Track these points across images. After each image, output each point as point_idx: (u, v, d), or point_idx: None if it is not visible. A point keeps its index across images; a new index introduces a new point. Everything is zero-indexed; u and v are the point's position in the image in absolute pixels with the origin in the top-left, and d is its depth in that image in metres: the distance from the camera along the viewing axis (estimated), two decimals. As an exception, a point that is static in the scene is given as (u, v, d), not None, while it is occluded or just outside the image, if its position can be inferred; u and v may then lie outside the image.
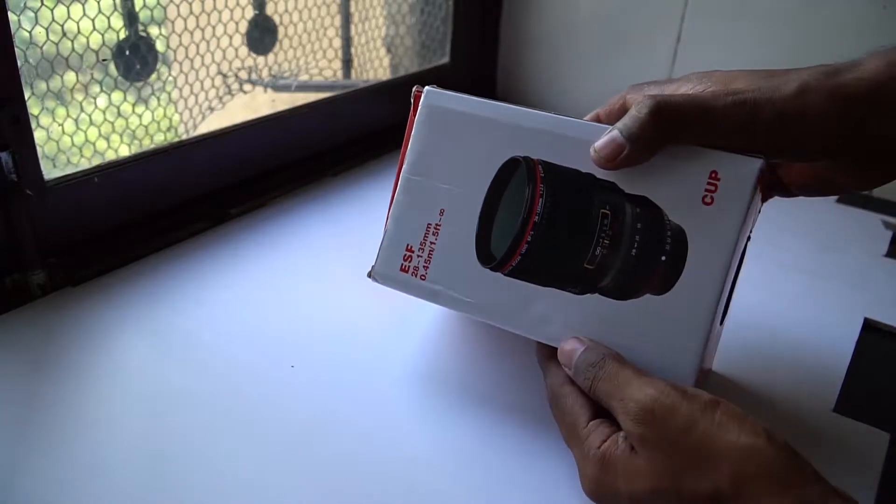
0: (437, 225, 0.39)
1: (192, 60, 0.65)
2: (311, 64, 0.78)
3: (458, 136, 0.39)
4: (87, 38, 0.54)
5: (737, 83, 0.36)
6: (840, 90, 0.34)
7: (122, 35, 0.57)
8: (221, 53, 0.67)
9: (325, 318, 0.49)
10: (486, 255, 0.38)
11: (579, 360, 0.34)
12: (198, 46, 0.64)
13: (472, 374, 0.44)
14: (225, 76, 0.70)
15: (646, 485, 0.29)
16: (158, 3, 0.60)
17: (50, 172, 0.51)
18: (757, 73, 0.36)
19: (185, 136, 0.65)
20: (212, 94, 0.69)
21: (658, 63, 0.84)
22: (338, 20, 0.80)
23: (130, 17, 0.58)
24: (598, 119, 0.40)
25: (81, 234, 0.53)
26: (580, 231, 0.36)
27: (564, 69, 0.92)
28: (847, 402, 0.43)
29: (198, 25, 0.64)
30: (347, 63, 0.84)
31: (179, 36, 0.63)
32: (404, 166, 0.40)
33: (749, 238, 0.37)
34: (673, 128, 0.34)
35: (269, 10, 0.70)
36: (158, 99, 0.62)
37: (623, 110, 0.39)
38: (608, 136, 0.35)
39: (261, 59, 0.72)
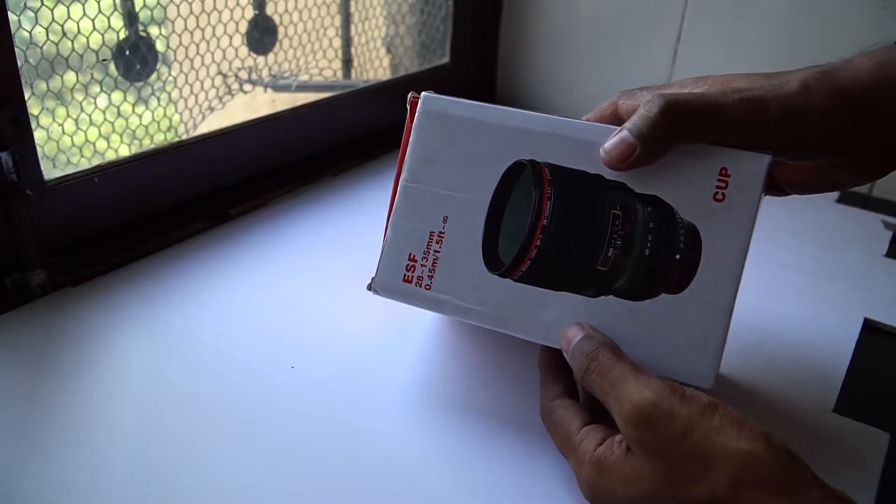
0: (440, 233, 0.38)
1: (192, 60, 0.65)
2: (311, 64, 0.78)
3: (458, 142, 0.38)
4: (87, 38, 0.54)
5: (736, 84, 0.36)
6: (838, 89, 0.34)
7: (122, 35, 0.57)
8: (221, 53, 0.67)
9: (325, 319, 0.49)
10: (494, 262, 0.37)
11: (575, 348, 0.34)
12: (198, 46, 0.64)
13: (473, 375, 0.44)
14: (225, 76, 0.70)
15: (643, 489, 0.29)
16: (158, 3, 0.60)
17: (50, 172, 0.51)
18: (753, 75, 0.37)
19: (185, 136, 0.65)
20: (212, 94, 0.69)
21: (658, 63, 0.84)
22: (338, 20, 0.80)
23: (130, 17, 0.58)
24: None
25: (81, 234, 0.53)
26: (591, 233, 0.36)
27: (564, 69, 0.92)
28: (847, 402, 0.43)
29: (198, 25, 0.64)
30: (347, 63, 0.84)
31: (179, 36, 0.63)
32: (403, 173, 0.39)
33: None
34: (683, 126, 0.34)
35: (269, 10, 0.70)
36: (158, 99, 0.62)
37: (614, 116, 0.39)
38: (618, 136, 0.35)
39: (261, 59, 0.72)
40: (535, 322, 0.36)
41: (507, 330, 0.37)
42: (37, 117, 0.51)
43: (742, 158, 0.35)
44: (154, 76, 0.61)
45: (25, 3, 0.49)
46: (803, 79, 0.35)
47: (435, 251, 0.38)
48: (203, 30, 0.64)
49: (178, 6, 0.61)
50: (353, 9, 0.83)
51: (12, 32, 0.45)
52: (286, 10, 0.72)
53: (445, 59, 0.89)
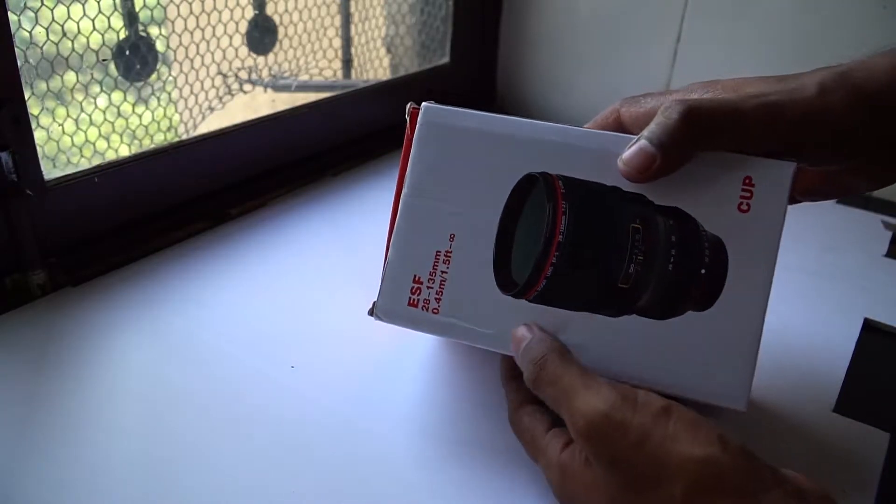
0: (447, 252, 0.35)
1: (192, 60, 0.65)
2: (311, 64, 0.78)
3: (463, 154, 0.36)
4: (87, 38, 0.54)
5: (748, 89, 0.35)
6: (856, 90, 0.33)
7: (122, 35, 0.57)
8: (221, 53, 0.67)
9: (325, 319, 0.49)
10: (506, 282, 0.35)
11: (523, 355, 0.33)
12: (198, 46, 0.64)
13: (474, 375, 0.44)
14: (225, 76, 0.70)
15: (603, 498, 0.29)
16: (158, 3, 0.60)
17: (50, 172, 0.51)
18: (765, 78, 0.36)
19: (185, 136, 0.65)
20: (212, 94, 0.69)
21: (658, 63, 0.84)
22: (338, 20, 0.80)
23: (130, 17, 0.58)
24: None
25: (81, 234, 0.53)
26: (610, 248, 0.33)
27: (564, 69, 0.92)
28: (847, 402, 0.43)
29: (198, 25, 0.64)
30: (347, 63, 0.84)
31: (179, 36, 0.63)
32: (405, 189, 0.36)
33: None
34: (705, 133, 0.33)
35: (269, 10, 0.70)
36: (158, 99, 0.62)
37: (617, 124, 0.38)
38: (636, 145, 0.33)
39: (261, 59, 0.72)
40: None
41: None
42: (37, 117, 0.51)
43: (766, 167, 0.33)
44: (154, 76, 0.61)
45: (25, 3, 0.49)
46: (820, 81, 0.34)
47: (442, 272, 0.35)
48: (203, 30, 0.64)
49: (178, 6, 0.61)
50: (353, 9, 0.83)
51: (12, 32, 0.45)
52: (286, 10, 0.72)
53: (445, 59, 0.89)
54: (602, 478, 0.29)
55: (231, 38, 0.67)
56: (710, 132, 0.33)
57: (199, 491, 0.35)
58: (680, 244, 0.33)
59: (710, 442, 0.27)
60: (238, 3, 0.66)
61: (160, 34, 0.62)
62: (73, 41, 0.53)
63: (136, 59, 0.59)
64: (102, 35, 0.55)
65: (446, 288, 0.35)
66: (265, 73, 0.73)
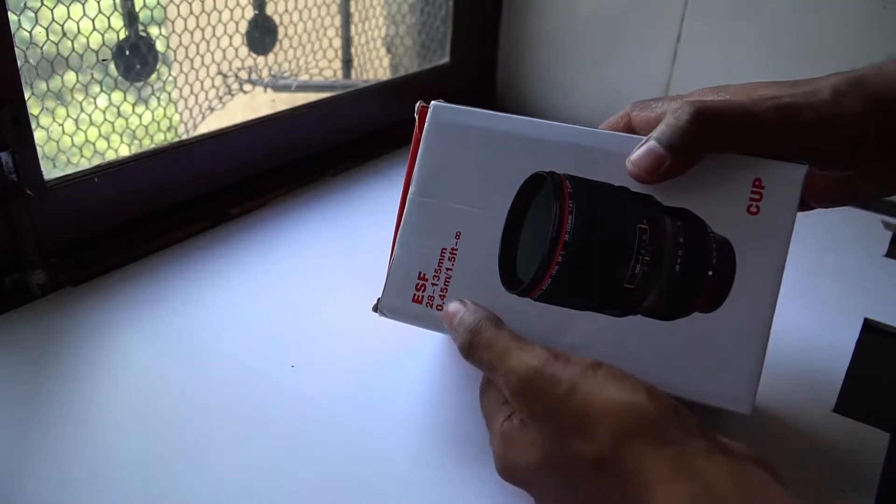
0: (453, 249, 0.35)
1: (192, 60, 0.65)
2: (311, 64, 0.78)
3: (471, 153, 0.36)
4: (87, 38, 0.54)
5: (760, 92, 0.35)
6: (872, 96, 0.33)
7: (122, 35, 0.57)
8: (221, 53, 0.67)
9: (325, 319, 0.49)
10: (511, 281, 0.35)
11: (457, 324, 0.33)
12: (198, 46, 0.64)
13: (475, 374, 0.44)
14: (225, 76, 0.70)
15: (538, 455, 0.29)
16: (158, 3, 0.60)
17: (50, 172, 0.51)
18: (777, 83, 0.35)
19: (185, 136, 0.65)
20: (212, 94, 0.69)
21: (658, 63, 0.84)
22: (338, 20, 0.80)
23: (130, 17, 0.58)
24: None
25: (81, 234, 0.53)
26: (617, 248, 0.33)
27: (564, 69, 0.92)
28: (847, 402, 0.43)
29: (198, 25, 0.64)
30: (347, 63, 0.84)
31: (179, 36, 0.63)
32: (412, 187, 0.36)
33: None
34: (715, 134, 0.33)
35: (269, 10, 0.70)
36: (158, 99, 0.62)
37: (628, 128, 0.37)
38: (645, 146, 0.33)
39: (261, 59, 0.72)
40: (556, 344, 0.33)
41: None
42: (37, 117, 0.51)
43: (777, 169, 0.33)
44: (154, 76, 0.61)
45: (25, 3, 0.49)
46: (833, 86, 0.34)
47: (447, 269, 0.35)
48: (203, 30, 0.64)
49: (178, 6, 0.61)
50: (353, 9, 0.83)
51: (12, 32, 0.45)
52: (286, 10, 0.72)
53: (445, 59, 0.89)
54: (537, 434, 0.29)
55: (231, 38, 0.67)
56: (721, 134, 0.33)
57: (199, 491, 0.35)
58: (687, 245, 0.33)
59: (637, 391, 0.28)
60: (238, 3, 0.66)
61: (160, 34, 0.62)
62: (73, 41, 0.53)
63: (136, 59, 0.59)
64: (102, 35, 0.55)
65: (451, 285, 0.35)
66: (265, 73, 0.73)
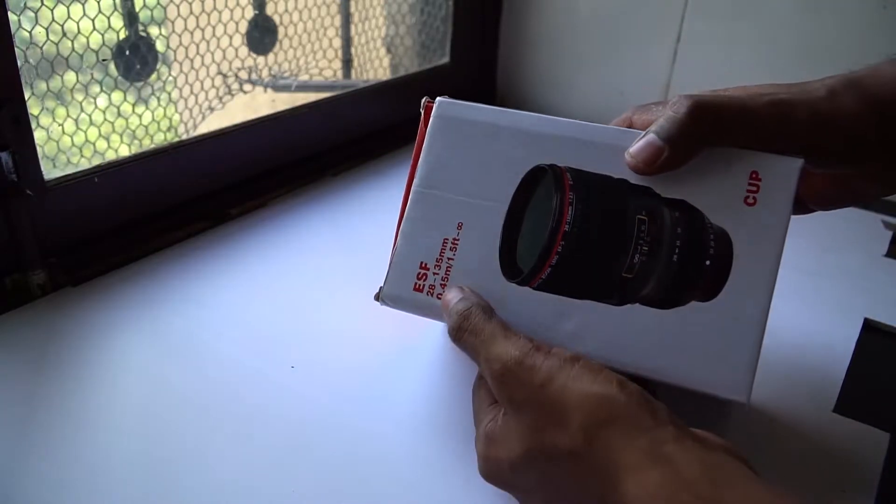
0: (454, 239, 0.36)
1: (192, 60, 0.65)
2: (311, 64, 0.78)
3: (475, 147, 0.37)
4: (87, 38, 0.54)
5: (760, 90, 0.35)
6: (866, 96, 0.34)
7: (122, 35, 0.57)
8: (221, 53, 0.67)
9: (325, 319, 0.49)
10: (511, 270, 0.35)
11: (451, 309, 0.34)
12: (198, 46, 0.64)
13: (475, 374, 0.44)
14: (225, 76, 0.70)
15: (518, 448, 0.30)
16: (158, 3, 0.60)
17: (50, 172, 0.51)
18: (775, 84, 0.36)
19: (185, 136, 0.65)
20: (212, 94, 0.69)
21: (658, 63, 0.84)
22: (338, 20, 0.80)
23: (130, 17, 0.58)
24: None
25: (81, 234, 0.53)
26: (616, 238, 0.34)
27: (564, 69, 0.92)
28: (847, 402, 0.43)
29: (198, 25, 0.64)
30: (347, 63, 0.84)
31: (179, 36, 0.63)
32: (416, 179, 0.37)
33: None
34: (712, 127, 0.34)
35: (269, 10, 0.70)
36: (158, 99, 0.62)
37: None
38: (644, 139, 0.34)
39: (261, 59, 0.72)
40: (554, 332, 0.34)
41: None
42: (37, 117, 0.51)
43: (773, 162, 0.34)
44: (154, 76, 0.61)
45: (25, 3, 0.49)
46: (830, 85, 0.34)
47: (448, 259, 0.36)
48: (203, 30, 0.64)
49: (178, 6, 0.61)
50: (353, 9, 0.83)
51: (12, 32, 0.45)
52: (286, 10, 0.72)
53: (445, 59, 0.89)
54: (515, 426, 0.30)
55: (231, 38, 0.67)
56: (718, 128, 0.34)
57: (199, 491, 0.35)
58: (685, 235, 0.34)
59: (609, 382, 0.29)
60: (238, 3, 0.66)
61: (160, 34, 0.62)
62: (73, 41, 0.53)
63: (136, 59, 0.59)
64: (102, 35, 0.55)
65: (452, 274, 0.36)
66: (265, 73, 0.73)
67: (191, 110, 0.67)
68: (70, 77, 0.53)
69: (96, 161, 0.56)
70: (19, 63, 0.46)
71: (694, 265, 0.34)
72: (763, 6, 0.76)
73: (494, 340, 0.31)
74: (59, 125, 0.54)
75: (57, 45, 0.52)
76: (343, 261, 0.56)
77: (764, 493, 0.25)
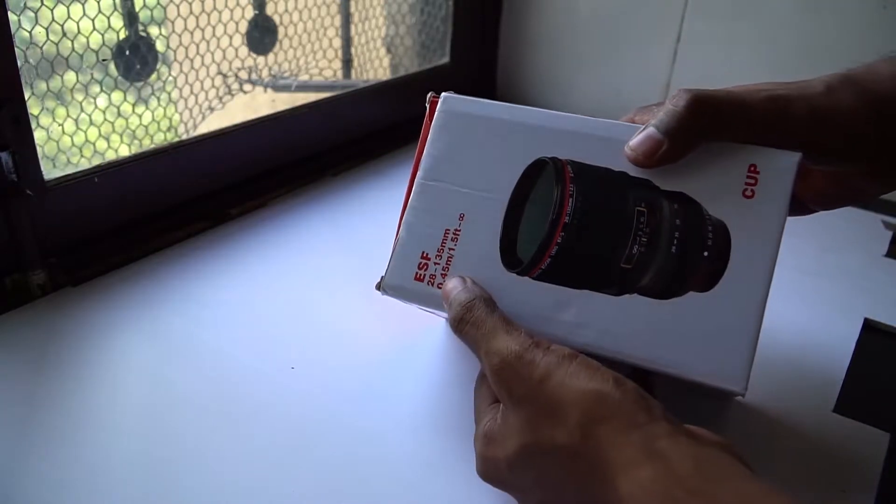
0: (456, 230, 0.37)
1: (192, 60, 0.65)
2: (311, 64, 0.78)
3: (478, 140, 0.38)
4: (87, 38, 0.54)
5: (759, 87, 0.36)
6: (863, 93, 0.34)
7: (122, 35, 0.57)
8: (221, 53, 0.67)
9: (325, 319, 0.49)
10: (512, 260, 0.36)
11: (453, 299, 0.34)
12: (198, 46, 0.64)
13: (475, 374, 0.44)
14: (225, 76, 0.70)
15: (516, 444, 0.30)
16: (158, 3, 0.60)
17: (50, 172, 0.51)
18: (774, 82, 0.36)
19: (185, 136, 0.65)
20: (212, 94, 0.69)
21: (658, 63, 0.84)
22: (338, 20, 0.80)
23: (130, 17, 0.58)
24: None
25: (81, 234, 0.53)
26: (615, 230, 0.35)
27: (564, 69, 0.92)
28: (847, 402, 0.43)
29: (198, 25, 0.64)
30: (347, 63, 0.84)
31: (179, 36, 0.63)
32: (419, 172, 0.38)
33: None
34: (711, 121, 0.34)
35: (269, 10, 0.70)
36: (158, 99, 0.62)
37: None
38: (644, 132, 0.35)
39: (261, 59, 0.72)
40: (553, 322, 0.35)
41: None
42: (37, 117, 0.51)
43: (772, 155, 0.34)
44: (154, 76, 0.61)
45: (25, 3, 0.49)
46: (827, 82, 0.35)
47: (450, 249, 0.37)
48: (203, 30, 0.64)
49: (178, 6, 0.61)
50: (353, 9, 0.83)
51: (12, 32, 0.45)
52: (286, 10, 0.72)
53: (445, 59, 0.89)
54: (513, 422, 0.30)
55: (231, 38, 0.67)
56: (717, 122, 0.34)
57: (199, 491, 0.35)
58: (684, 227, 0.34)
59: (605, 380, 0.29)
60: (238, 3, 0.66)
61: (160, 34, 0.62)
62: (73, 41, 0.53)
63: (136, 59, 0.59)
64: (102, 35, 0.55)
65: (453, 264, 0.37)
66: (265, 73, 0.73)
67: (191, 110, 0.67)
68: (70, 77, 0.53)
69: (96, 161, 0.56)
70: (19, 63, 0.46)
71: (692, 256, 0.34)
72: (763, 6, 0.76)
73: (496, 334, 0.32)
74: (59, 125, 0.54)
75: (57, 45, 0.52)
76: (343, 261, 0.56)
77: (756, 488, 0.25)
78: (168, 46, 0.63)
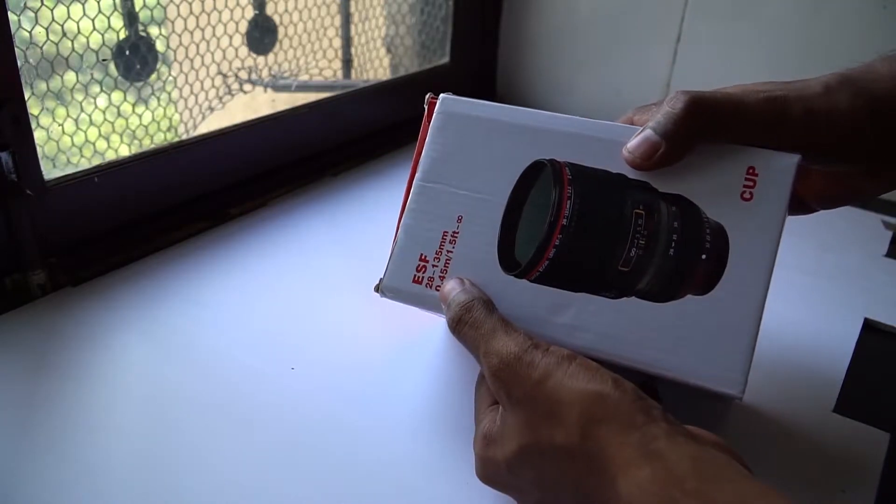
0: (454, 232, 0.37)
1: (192, 60, 0.65)
2: (311, 64, 0.78)
3: (476, 142, 0.38)
4: (87, 38, 0.54)
5: (756, 87, 0.36)
6: (861, 92, 0.34)
7: (122, 35, 0.57)
8: (221, 53, 0.67)
9: (325, 320, 0.49)
10: (509, 262, 0.36)
11: (452, 299, 0.34)
12: (198, 46, 0.64)
13: (475, 375, 0.44)
14: (225, 76, 0.70)
15: (515, 445, 0.30)
16: (158, 3, 0.60)
17: (50, 172, 0.51)
18: (772, 82, 0.36)
19: (185, 136, 0.65)
20: (212, 94, 0.69)
21: (658, 63, 0.84)
22: (338, 20, 0.80)
23: (130, 17, 0.58)
24: None
25: (81, 234, 0.53)
26: (613, 232, 0.35)
27: (564, 69, 0.92)
28: (847, 402, 0.43)
29: (198, 25, 0.64)
30: (347, 63, 0.84)
31: (179, 36, 0.63)
32: (418, 173, 0.38)
33: None
34: (708, 123, 0.34)
35: (269, 10, 0.70)
36: (158, 99, 0.62)
37: None
38: (641, 135, 0.35)
39: (261, 59, 0.72)
40: (551, 324, 0.35)
41: None
42: (37, 117, 0.51)
43: (770, 157, 0.34)
44: (154, 76, 0.61)
45: (25, 3, 0.49)
46: (824, 82, 0.35)
47: (448, 251, 0.37)
48: (203, 30, 0.64)
49: (178, 6, 0.61)
50: (353, 9, 0.83)
51: (12, 32, 0.45)
52: (286, 10, 0.72)
53: (445, 59, 0.89)
54: (512, 423, 0.30)
55: (231, 38, 0.67)
56: (714, 123, 0.34)
57: (198, 491, 0.35)
58: (682, 230, 0.34)
59: (604, 381, 0.29)
60: (238, 3, 0.66)
61: (160, 34, 0.62)
62: (73, 41, 0.53)
63: (136, 59, 0.59)
64: (102, 35, 0.55)
65: (451, 266, 0.36)
66: (265, 73, 0.73)
67: (191, 110, 0.67)
68: (70, 77, 0.53)
69: (96, 161, 0.56)
70: (19, 63, 0.46)
71: (690, 259, 0.34)
72: (763, 6, 0.76)
73: (494, 335, 0.32)
74: (59, 125, 0.54)
75: (57, 45, 0.52)
76: (343, 261, 0.56)
77: (753, 488, 0.25)
78: (168, 46, 0.63)
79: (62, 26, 0.52)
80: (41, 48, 0.51)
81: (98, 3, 0.54)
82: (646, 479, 0.26)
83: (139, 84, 0.60)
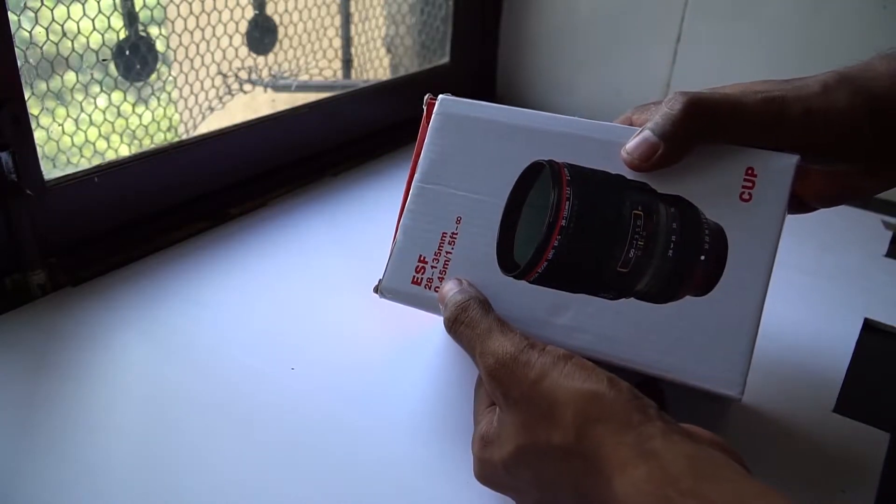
0: (453, 233, 0.37)
1: (192, 60, 0.65)
2: (311, 64, 0.78)
3: (475, 143, 0.38)
4: (87, 38, 0.54)
5: (755, 87, 0.36)
6: (859, 90, 0.34)
7: (122, 35, 0.57)
8: (221, 53, 0.67)
9: (325, 320, 0.49)
10: (508, 263, 0.36)
11: (448, 300, 0.34)
12: (198, 46, 0.64)
13: (475, 376, 0.44)
14: (225, 76, 0.70)
15: (511, 446, 0.30)
16: (158, 3, 0.60)
17: (50, 172, 0.51)
18: (770, 80, 0.36)
19: (185, 136, 0.65)
20: (212, 94, 0.69)
21: (658, 63, 0.84)
22: (338, 20, 0.80)
23: (130, 17, 0.58)
24: None
25: (81, 234, 0.53)
26: (612, 233, 0.34)
27: (564, 69, 0.92)
28: (847, 402, 0.43)
29: (198, 25, 0.64)
30: (347, 63, 0.84)
31: (179, 36, 0.63)
32: (416, 174, 0.38)
33: None
34: (706, 124, 0.34)
35: (269, 10, 0.70)
36: (158, 99, 0.62)
37: None
38: (640, 136, 0.35)
39: (261, 59, 0.72)
40: (550, 326, 0.35)
41: None
42: (37, 117, 0.51)
43: (769, 158, 0.34)
44: (154, 76, 0.61)
45: (25, 3, 0.49)
46: (823, 81, 0.35)
47: (447, 252, 0.37)
48: (203, 30, 0.64)
49: (178, 6, 0.61)
50: (353, 9, 0.83)
51: (12, 32, 0.45)
52: (286, 10, 0.72)
53: (445, 59, 0.89)
54: (509, 424, 0.30)
55: (231, 38, 0.67)
56: (713, 124, 0.34)
57: (198, 491, 0.35)
58: (681, 231, 0.34)
59: (600, 380, 0.29)
60: (238, 3, 0.66)
61: (160, 34, 0.62)
62: (73, 41, 0.53)
63: (136, 59, 0.59)
64: (102, 35, 0.55)
65: (450, 267, 0.36)
66: (265, 73, 0.73)
67: (191, 110, 0.67)
68: (70, 77, 0.53)
69: (96, 161, 0.56)
70: (19, 63, 0.46)
71: (689, 260, 0.34)
72: (763, 6, 0.76)
73: (490, 335, 0.32)
74: (59, 125, 0.54)
75: (57, 45, 0.52)
76: (343, 261, 0.56)
77: (750, 488, 0.25)
78: (168, 46, 0.63)
79: (62, 26, 0.52)
80: (41, 48, 0.51)
81: (98, 3, 0.54)
82: (641, 479, 0.26)
83: (139, 84, 0.60)
